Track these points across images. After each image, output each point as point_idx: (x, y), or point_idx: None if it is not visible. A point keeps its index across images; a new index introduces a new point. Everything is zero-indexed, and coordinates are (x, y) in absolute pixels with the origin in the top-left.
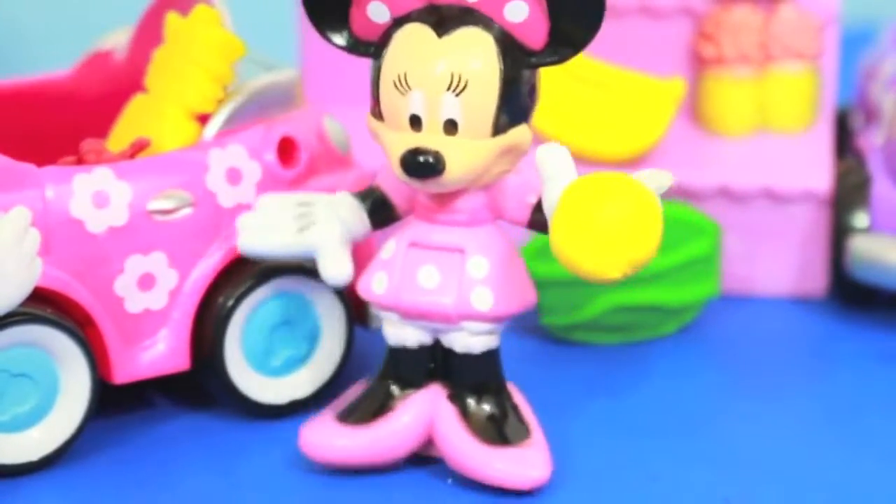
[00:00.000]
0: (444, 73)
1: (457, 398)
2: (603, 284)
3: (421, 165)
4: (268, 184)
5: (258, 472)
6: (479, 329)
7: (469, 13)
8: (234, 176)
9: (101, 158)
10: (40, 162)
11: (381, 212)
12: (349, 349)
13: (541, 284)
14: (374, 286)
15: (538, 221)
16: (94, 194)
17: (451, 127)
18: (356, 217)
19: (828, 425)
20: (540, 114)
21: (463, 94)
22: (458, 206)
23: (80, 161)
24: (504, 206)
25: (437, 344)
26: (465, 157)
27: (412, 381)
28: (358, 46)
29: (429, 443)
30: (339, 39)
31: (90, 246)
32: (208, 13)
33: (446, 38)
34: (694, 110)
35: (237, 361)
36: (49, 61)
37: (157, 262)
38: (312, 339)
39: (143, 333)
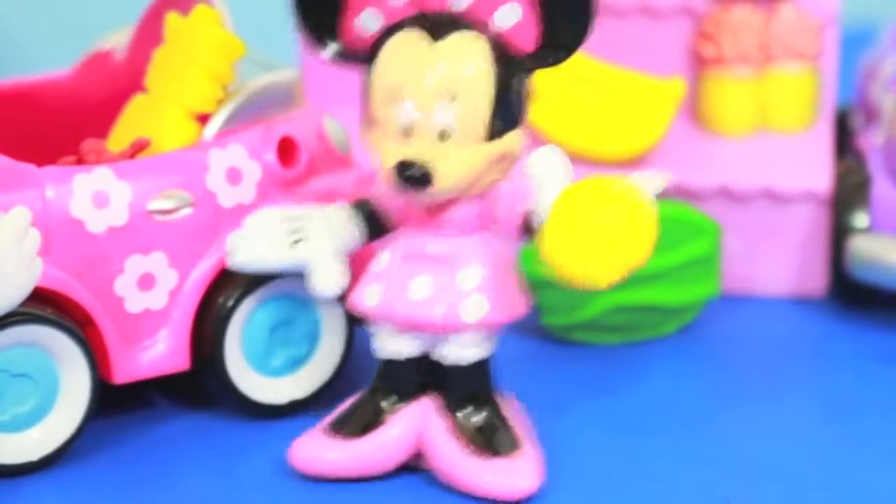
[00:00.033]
0: (436, 81)
1: (446, 409)
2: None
3: (409, 178)
4: (268, 184)
5: (258, 472)
6: (470, 340)
7: (461, 18)
8: (234, 176)
9: (101, 158)
10: (40, 162)
11: (376, 222)
12: (349, 349)
13: (541, 284)
14: (366, 299)
15: (531, 229)
16: (94, 194)
17: (444, 134)
18: (350, 229)
19: (828, 425)
20: (540, 114)
21: (456, 100)
22: (451, 215)
23: (80, 161)
24: (496, 214)
25: (428, 356)
26: (458, 164)
27: (403, 394)
28: (349, 56)
29: (419, 455)
30: (330, 50)
31: (90, 246)
32: (208, 13)
33: (440, 44)
34: (694, 110)
35: (237, 361)
36: (49, 61)
37: (157, 262)
38: (312, 339)
39: (143, 333)
